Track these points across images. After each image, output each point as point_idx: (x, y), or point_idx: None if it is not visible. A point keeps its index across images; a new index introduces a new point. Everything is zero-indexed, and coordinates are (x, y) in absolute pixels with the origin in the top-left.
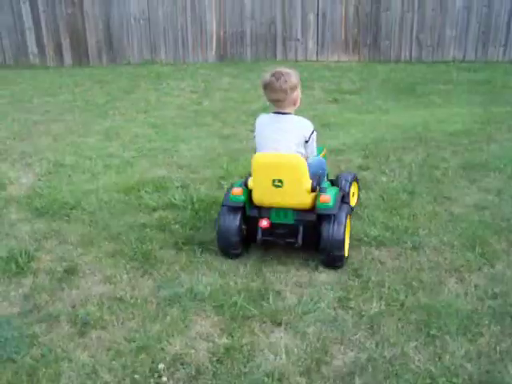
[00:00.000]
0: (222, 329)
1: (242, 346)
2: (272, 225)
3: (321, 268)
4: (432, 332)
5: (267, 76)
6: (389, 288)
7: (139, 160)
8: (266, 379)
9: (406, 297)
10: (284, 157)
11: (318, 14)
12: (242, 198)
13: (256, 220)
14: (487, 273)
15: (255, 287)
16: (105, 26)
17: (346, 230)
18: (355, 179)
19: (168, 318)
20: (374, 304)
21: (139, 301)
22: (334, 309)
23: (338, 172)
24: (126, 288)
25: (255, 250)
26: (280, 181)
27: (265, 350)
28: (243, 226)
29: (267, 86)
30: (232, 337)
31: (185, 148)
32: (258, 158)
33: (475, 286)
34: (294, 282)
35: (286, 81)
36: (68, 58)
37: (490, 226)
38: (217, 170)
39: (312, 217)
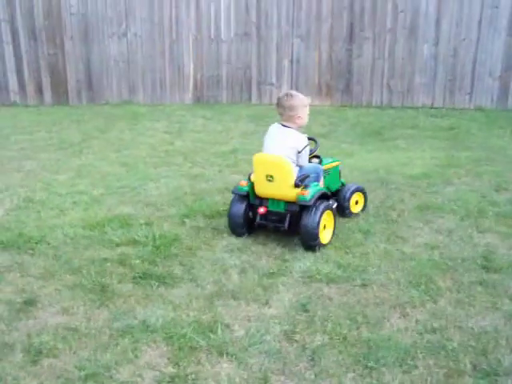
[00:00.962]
0: (169, 358)
1: (186, 375)
2: (268, 212)
3: (271, 302)
4: (370, 364)
5: (281, 93)
6: (334, 322)
7: (107, 197)
8: None
9: (349, 331)
10: (274, 157)
11: (292, 60)
12: (246, 188)
13: (256, 207)
14: (429, 309)
15: (205, 320)
16: (85, 66)
17: (320, 220)
18: (360, 190)
19: (119, 347)
20: (318, 337)
21: (93, 331)
22: (279, 341)
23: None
24: (81, 319)
25: (211, 284)
26: (271, 176)
27: (208, 380)
28: (249, 212)
29: (277, 101)
30: (178, 366)
31: (153, 187)
32: (256, 157)
33: (416, 321)
34: (243, 316)
35: (287, 100)
36: (48, 97)
37: (437, 265)
38: (181, 209)
39: (297, 207)
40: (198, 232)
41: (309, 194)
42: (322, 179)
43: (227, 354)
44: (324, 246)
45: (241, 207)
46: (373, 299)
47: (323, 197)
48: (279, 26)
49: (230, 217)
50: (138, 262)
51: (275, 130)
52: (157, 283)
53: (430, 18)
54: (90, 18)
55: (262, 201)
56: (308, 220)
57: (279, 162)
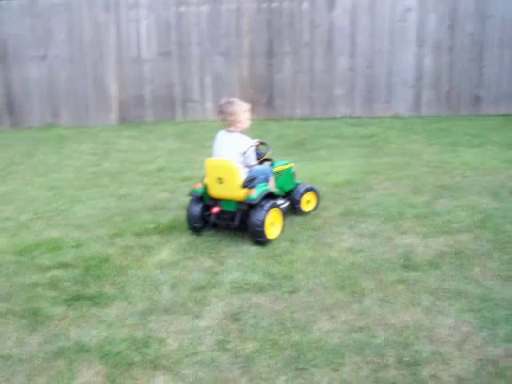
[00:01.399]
0: (105, 376)
1: None
2: (221, 211)
3: (203, 314)
4: (300, 366)
5: (222, 101)
6: (264, 329)
7: (35, 222)
8: None
9: (280, 336)
10: (222, 161)
11: (214, 77)
12: (201, 190)
13: (211, 208)
14: (355, 309)
15: (139, 336)
16: (5, 90)
17: (265, 218)
18: (311, 189)
19: (54, 370)
20: (250, 344)
21: (26, 356)
22: (213, 351)
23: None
24: (13, 345)
25: (143, 301)
26: (221, 179)
27: None
28: (205, 212)
29: (219, 108)
30: (114, 383)
31: (81, 208)
32: (207, 162)
33: (343, 322)
34: (176, 330)
35: (228, 107)
36: None
37: (361, 267)
38: (110, 229)
39: (246, 206)
40: (128, 251)
41: (255, 193)
42: (272, 180)
43: (162, 367)
44: (271, 241)
45: (197, 208)
46: (301, 304)
47: (270, 196)
48: (200, 43)
49: (189, 217)
50: (69, 284)
51: (221, 135)
52: (89, 304)
53: (345, 32)
54: (8, 41)
55: (216, 201)
56: (254, 218)
57: (227, 165)
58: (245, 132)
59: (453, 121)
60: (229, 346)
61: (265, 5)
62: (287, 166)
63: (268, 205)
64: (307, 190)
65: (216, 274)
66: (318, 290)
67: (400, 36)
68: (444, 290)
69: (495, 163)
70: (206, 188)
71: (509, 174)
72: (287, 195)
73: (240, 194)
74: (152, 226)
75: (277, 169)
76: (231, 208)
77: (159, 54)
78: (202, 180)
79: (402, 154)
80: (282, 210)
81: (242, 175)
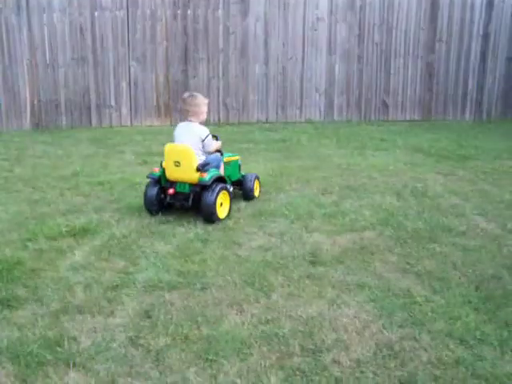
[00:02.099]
0: (16, 376)
1: None
2: (176, 193)
3: (116, 313)
4: (210, 357)
5: (185, 94)
6: (175, 325)
7: None
8: None
9: (191, 330)
10: (181, 146)
11: (130, 83)
12: (158, 173)
13: (166, 189)
14: (263, 303)
15: (52, 335)
16: None
17: (217, 198)
18: (256, 178)
19: None
20: (161, 340)
21: None
22: (125, 347)
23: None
24: None
25: (56, 302)
26: (178, 162)
27: None
28: (161, 194)
29: (183, 101)
30: (26, 382)
31: None
32: (166, 147)
33: (252, 315)
34: (89, 328)
35: (192, 99)
36: None
37: (270, 264)
38: (23, 233)
39: (198, 188)
40: (41, 254)
41: (207, 176)
42: (222, 167)
43: (74, 364)
44: (221, 220)
45: (154, 190)
46: (212, 300)
47: (220, 180)
48: (115, 48)
49: (145, 198)
50: None
51: (183, 125)
52: (0, 307)
53: (259, 39)
54: None
55: (172, 184)
56: (206, 198)
57: (185, 149)
58: (202, 123)
59: (362, 126)
60: (141, 342)
61: (180, 11)
62: (234, 158)
63: (218, 187)
64: (256, 178)
65: (129, 273)
66: (229, 286)
67: (312, 44)
68: (348, 283)
69: (399, 165)
70: (163, 171)
71: (411, 176)
72: (234, 184)
73: (194, 176)
74: (65, 229)
75: (226, 159)
76: (185, 190)
77: (74, 58)
78: (160, 164)
79: (313, 158)
80: (230, 193)
81: (198, 160)
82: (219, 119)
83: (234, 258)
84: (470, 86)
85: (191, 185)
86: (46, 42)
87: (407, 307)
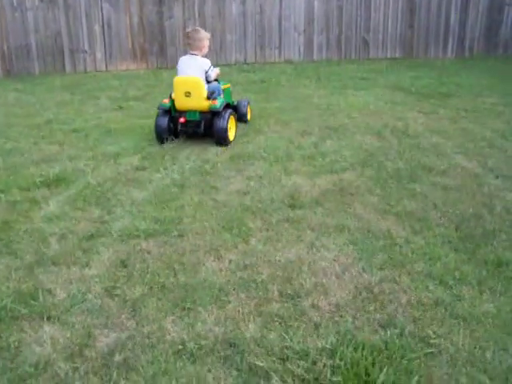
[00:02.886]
0: None
1: (9, 345)
2: (186, 121)
3: (91, 263)
4: (188, 306)
5: (188, 28)
6: (152, 273)
7: None
8: (31, 370)
9: (167, 279)
10: (191, 78)
11: (103, 25)
12: (168, 104)
13: (177, 119)
14: (241, 249)
15: (26, 289)
16: None
17: (228, 123)
18: (248, 103)
19: None
20: (138, 289)
21: None
22: (101, 298)
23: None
24: None
25: (30, 254)
26: (189, 92)
27: (32, 345)
28: (171, 124)
29: (186, 35)
30: (0, 337)
31: None
32: (176, 79)
33: (229, 262)
34: (64, 280)
35: (196, 33)
36: None
37: (248, 209)
38: None
39: (209, 115)
40: (14, 205)
41: (218, 103)
42: (222, 94)
43: (49, 317)
44: (231, 142)
45: (164, 119)
46: (189, 247)
47: (227, 106)
48: None
49: (156, 127)
50: None
51: (186, 58)
52: None
53: None
54: None
55: (181, 113)
56: (219, 124)
57: (195, 80)
58: (204, 56)
59: (343, 65)
60: (117, 292)
61: None
62: (227, 86)
63: (228, 113)
64: (248, 104)
65: (105, 223)
66: (206, 232)
67: None
68: (327, 225)
69: (380, 104)
70: (172, 102)
71: (392, 115)
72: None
73: (205, 104)
74: (39, 179)
75: (222, 86)
76: (196, 118)
77: (42, 1)
78: (169, 95)
79: (293, 98)
80: (235, 116)
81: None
82: None
83: (211, 203)
84: (452, 22)
85: (202, 112)
86: None
87: (387, 249)
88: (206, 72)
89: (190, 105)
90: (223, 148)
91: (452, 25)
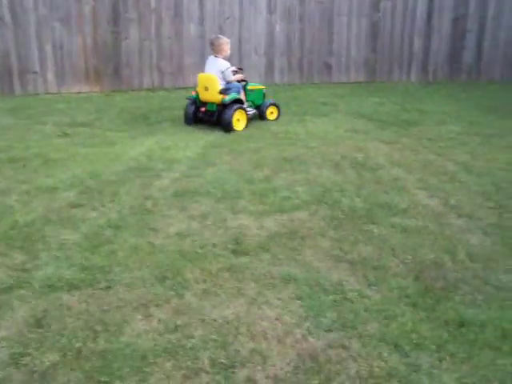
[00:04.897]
0: None
1: None
2: (206, 111)
3: (2, 323)
4: (103, 379)
5: (212, 36)
6: (69, 336)
7: None
8: None
9: (85, 343)
10: (207, 75)
11: (54, 45)
12: (195, 96)
13: (200, 108)
14: (174, 305)
15: None
16: None
17: (233, 114)
18: (274, 104)
19: None
20: (50, 356)
21: None
22: (6, 368)
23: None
24: None
25: None
26: (206, 87)
27: None
28: (197, 111)
29: (210, 41)
30: None
31: None
32: (199, 76)
33: (159, 321)
34: None
35: (216, 40)
36: None
37: (186, 255)
38: None
39: (221, 107)
40: None
41: (228, 97)
42: (242, 93)
43: None
44: (238, 131)
45: (192, 107)
46: (115, 302)
47: (238, 101)
48: (36, 9)
49: (186, 113)
50: None
51: (210, 59)
52: None
53: None
54: None
55: (204, 104)
56: (226, 114)
57: (210, 77)
58: (225, 58)
59: (305, 89)
60: (25, 360)
61: None
62: (258, 87)
63: (235, 106)
64: (271, 104)
65: (26, 271)
66: (137, 283)
67: (250, 2)
68: (272, 276)
69: (340, 133)
70: (197, 94)
71: (352, 144)
72: (257, 108)
73: (218, 97)
74: None
75: (250, 87)
76: (213, 108)
77: None
78: (195, 88)
79: (249, 126)
80: (246, 112)
81: (221, 85)
82: (153, 84)
83: (147, 248)
84: (415, 47)
85: (217, 104)
86: None
87: (337, 305)
88: (223, 72)
89: (207, 97)
90: (169, 182)
91: (415, 50)
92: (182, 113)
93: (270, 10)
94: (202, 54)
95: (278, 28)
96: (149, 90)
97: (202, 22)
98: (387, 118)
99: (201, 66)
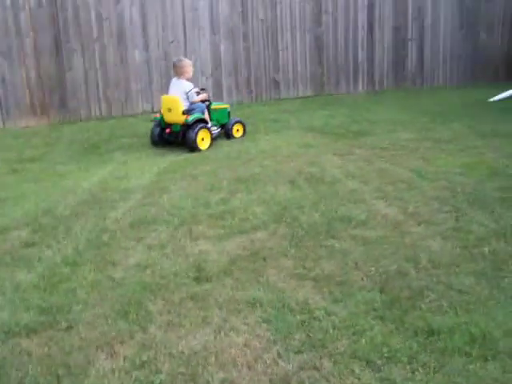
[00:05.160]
0: None
1: None
2: (171, 131)
3: None
4: None
5: (174, 59)
6: None
7: None
8: None
9: None
10: (170, 96)
11: None
12: (159, 118)
13: (165, 129)
14: (139, 340)
15: None
16: None
17: (197, 134)
18: (239, 122)
19: None
20: None
21: None
22: None
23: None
24: None
25: None
26: (170, 108)
27: None
28: (162, 132)
29: (173, 64)
30: None
31: None
32: (162, 98)
33: (124, 358)
34: None
35: (179, 62)
36: None
37: (147, 287)
38: None
39: (185, 127)
40: None
41: (190, 118)
42: (206, 113)
43: None
44: (201, 150)
45: (157, 129)
46: (78, 343)
47: (202, 121)
48: None
49: (151, 135)
50: None
51: (174, 81)
52: None
53: (136, 23)
54: None
55: (169, 125)
56: (189, 134)
57: (173, 99)
58: (189, 80)
59: (254, 107)
60: None
61: None
62: (222, 106)
63: (199, 126)
64: (236, 122)
65: None
66: (99, 321)
67: (194, 25)
68: (237, 301)
69: (293, 148)
70: (162, 116)
71: (306, 159)
72: (222, 127)
73: (182, 118)
74: None
75: (214, 107)
76: (178, 129)
77: None
78: (159, 111)
79: (205, 150)
80: (210, 131)
81: (185, 106)
82: (101, 114)
83: (106, 283)
84: (360, 58)
85: (181, 125)
86: None
87: (305, 325)
88: (187, 93)
89: (171, 118)
90: (124, 212)
91: (360, 61)
92: (133, 141)
93: (214, 31)
94: (150, 80)
95: (222, 48)
96: (97, 119)
97: (146, 47)
98: (338, 131)
99: (148, 92)
